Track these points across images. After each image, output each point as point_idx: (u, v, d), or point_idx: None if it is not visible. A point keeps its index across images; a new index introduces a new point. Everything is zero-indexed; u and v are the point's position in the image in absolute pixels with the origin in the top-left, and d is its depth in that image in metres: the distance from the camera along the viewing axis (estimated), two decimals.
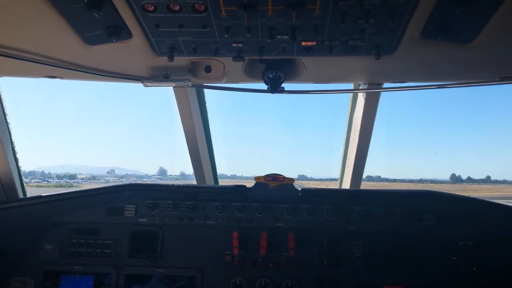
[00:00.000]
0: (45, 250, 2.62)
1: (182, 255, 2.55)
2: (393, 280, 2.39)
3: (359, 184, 3.15)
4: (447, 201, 2.43)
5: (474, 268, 2.36)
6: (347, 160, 3.20)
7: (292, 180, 2.44)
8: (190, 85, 2.27)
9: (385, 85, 2.43)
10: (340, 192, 2.63)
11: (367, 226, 2.44)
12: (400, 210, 2.41)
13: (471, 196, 2.41)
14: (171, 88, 2.56)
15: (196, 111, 2.89)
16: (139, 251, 2.58)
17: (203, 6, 1.40)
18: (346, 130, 3.12)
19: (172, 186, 2.55)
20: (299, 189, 2.49)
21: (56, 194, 2.57)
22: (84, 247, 2.61)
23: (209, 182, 3.35)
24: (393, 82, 2.38)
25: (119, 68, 2.15)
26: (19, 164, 2.80)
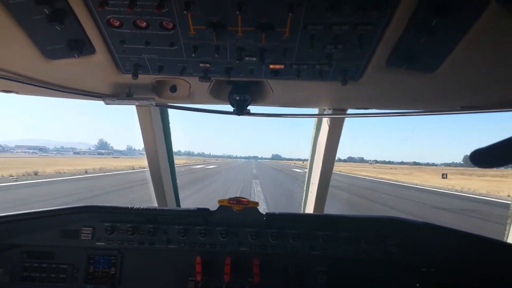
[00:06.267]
0: None
1: (142, 281, 2.39)
2: None
3: (323, 209, 3.15)
4: (409, 228, 2.44)
5: None
6: (311, 185, 3.19)
7: (257, 203, 2.39)
8: (154, 104, 2.18)
9: (349, 111, 2.48)
10: (304, 216, 2.60)
11: (331, 251, 2.42)
12: (364, 235, 2.41)
13: (433, 223, 2.41)
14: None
15: (159, 130, 2.78)
16: (96, 277, 2.40)
17: (171, 24, 1.34)
18: (310, 155, 3.14)
19: (132, 208, 2.40)
20: (264, 213, 2.45)
21: (5, 216, 2.33)
22: (37, 271, 2.40)
23: (171, 204, 3.21)
24: (358, 108, 2.43)
25: (80, 84, 2.02)
26: None
